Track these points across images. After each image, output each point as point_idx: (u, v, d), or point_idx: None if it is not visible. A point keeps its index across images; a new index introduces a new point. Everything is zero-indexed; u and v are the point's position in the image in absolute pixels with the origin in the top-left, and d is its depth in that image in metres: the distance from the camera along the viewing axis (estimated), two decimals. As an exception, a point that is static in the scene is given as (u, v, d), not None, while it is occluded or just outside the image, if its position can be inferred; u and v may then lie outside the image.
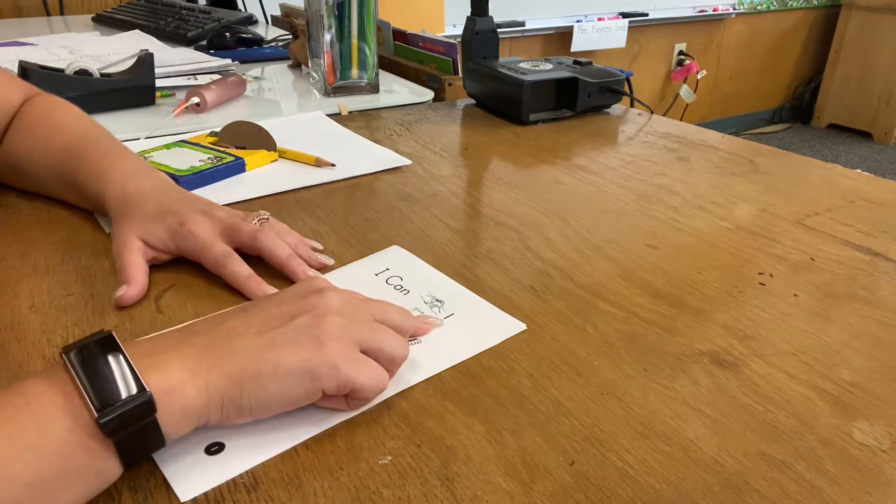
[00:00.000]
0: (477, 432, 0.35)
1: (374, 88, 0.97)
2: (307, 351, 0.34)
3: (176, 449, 0.33)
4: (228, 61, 1.08)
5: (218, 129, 0.75)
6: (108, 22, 1.43)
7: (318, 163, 0.71)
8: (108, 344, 0.30)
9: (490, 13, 0.92)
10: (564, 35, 2.89)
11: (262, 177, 0.68)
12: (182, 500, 0.31)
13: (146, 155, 0.67)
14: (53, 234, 0.55)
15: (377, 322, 0.38)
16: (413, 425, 0.35)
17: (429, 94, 0.99)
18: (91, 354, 0.30)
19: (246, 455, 0.33)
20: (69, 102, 0.63)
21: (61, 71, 0.81)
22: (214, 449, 0.33)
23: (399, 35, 1.16)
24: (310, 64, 1.01)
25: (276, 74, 1.11)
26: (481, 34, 0.92)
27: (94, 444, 0.28)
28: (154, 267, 0.50)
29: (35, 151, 0.58)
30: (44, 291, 0.47)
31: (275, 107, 0.93)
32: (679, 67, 3.35)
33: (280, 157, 0.73)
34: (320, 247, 0.54)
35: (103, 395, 0.28)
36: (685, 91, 3.40)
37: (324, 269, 0.51)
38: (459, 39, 0.96)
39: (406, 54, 1.14)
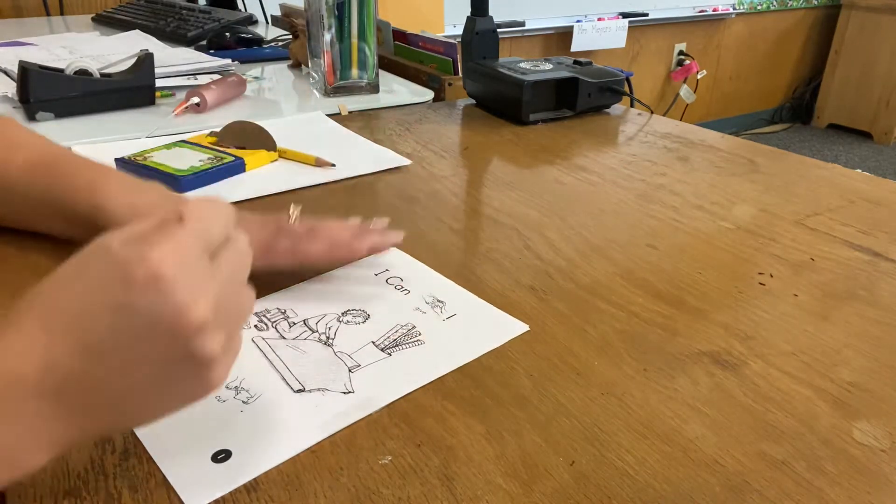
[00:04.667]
0: (477, 432, 0.35)
1: (374, 88, 0.97)
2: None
3: (182, 457, 0.33)
4: (228, 61, 1.08)
5: (218, 129, 0.75)
6: (108, 22, 1.43)
7: (318, 163, 0.71)
8: None
9: (490, 13, 0.92)
10: (564, 35, 2.89)
11: (262, 177, 0.68)
12: None
13: (146, 155, 0.67)
14: (41, 238, 0.55)
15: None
16: (413, 425, 0.35)
17: (429, 94, 0.99)
18: None
19: (253, 462, 0.33)
20: (13, 120, 0.55)
21: (61, 71, 0.81)
22: (221, 457, 0.33)
23: (399, 35, 1.16)
24: (310, 64, 1.01)
25: (276, 74, 1.11)
26: (481, 34, 0.92)
27: None
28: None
29: None
30: (44, 291, 0.47)
31: (275, 107, 0.93)
32: (679, 67, 3.35)
33: (280, 157, 0.73)
34: (384, 221, 0.52)
35: None
36: (685, 91, 3.40)
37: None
38: (459, 39, 0.96)
39: (406, 54, 1.14)
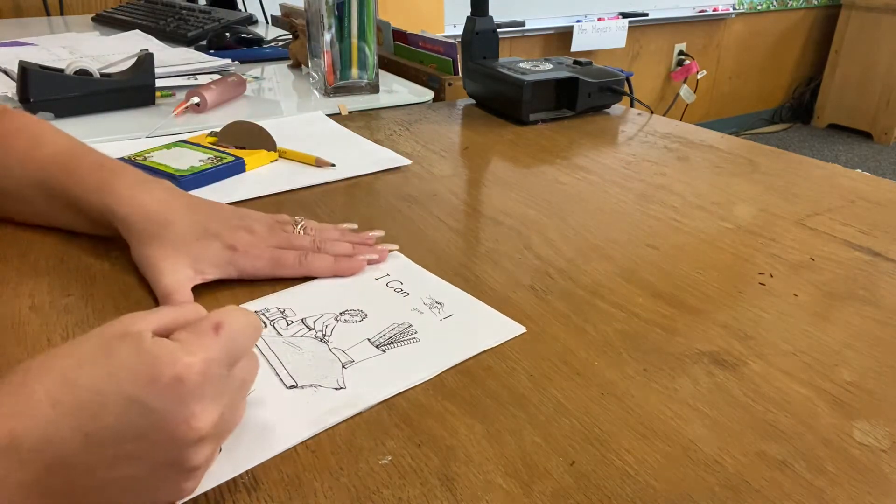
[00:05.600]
0: (477, 432, 0.35)
1: (374, 88, 0.97)
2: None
3: None
4: (228, 61, 1.08)
5: (218, 129, 0.75)
6: (108, 22, 1.43)
7: (318, 163, 0.71)
8: None
9: (490, 13, 0.92)
10: (564, 35, 2.89)
11: (262, 177, 0.68)
12: (178, 501, 0.31)
13: (146, 155, 0.67)
14: (53, 234, 0.55)
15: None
16: (413, 425, 0.35)
17: (429, 94, 0.99)
18: None
19: (243, 455, 0.33)
20: (40, 118, 0.57)
21: (61, 71, 0.81)
22: None
23: (399, 35, 1.16)
24: (310, 64, 1.01)
25: (276, 74, 1.11)
26: (481, 34, 0.92)
27: None
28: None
29: (13, 166, 0.52)
30: (44, 291, 0.47)
31: (275, 107, 0.93)
32: (679, 67, 3.35)
33: (280, 157, 0.73)
34: (379, 233, 0.55)
35: None
36: (685, 91, 3.40)
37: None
38: (459, 39, 0.96)
39: (406, 54, 1.14)
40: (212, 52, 1.16)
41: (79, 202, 0.50)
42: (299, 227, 0.51)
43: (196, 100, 0.85)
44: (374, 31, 0.93)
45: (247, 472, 0.33)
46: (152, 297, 0.46)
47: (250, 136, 0.72)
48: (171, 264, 0.46)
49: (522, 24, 2.76)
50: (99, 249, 0.53)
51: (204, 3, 1.54)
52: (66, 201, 0.51)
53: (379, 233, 0.55)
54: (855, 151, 3.48)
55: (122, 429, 0.27)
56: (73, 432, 0.26)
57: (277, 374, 0.39)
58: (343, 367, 0.40)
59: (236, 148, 0.71)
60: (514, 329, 0.44)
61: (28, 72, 0.78)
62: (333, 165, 0.70)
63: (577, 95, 0.89)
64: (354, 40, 0.93)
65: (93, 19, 1.50)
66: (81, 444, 0.26)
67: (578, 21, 2.88)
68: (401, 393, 0.38)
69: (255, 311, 0.45)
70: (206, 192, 0.63)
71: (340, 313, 0.45)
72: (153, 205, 0.48)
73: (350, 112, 0.92)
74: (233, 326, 0.30)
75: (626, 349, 0.42)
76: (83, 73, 0.82)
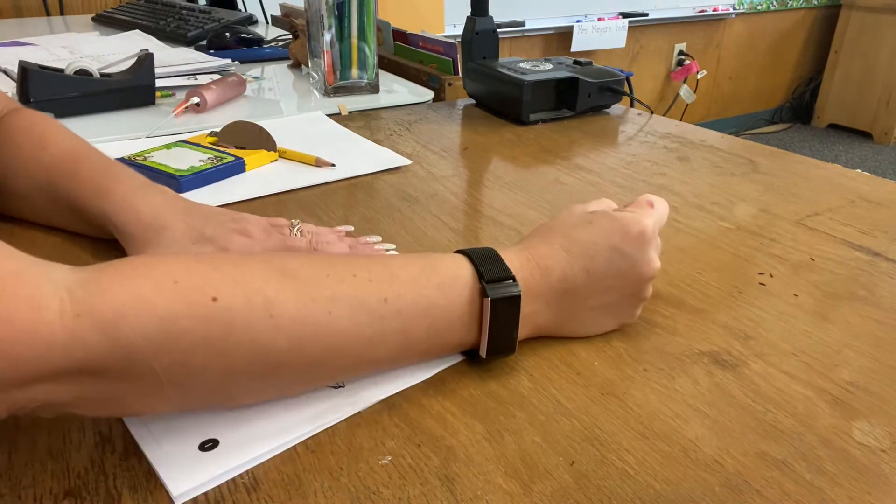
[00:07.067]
0: (477, 432, 0.35)
1: (374, 88, 0.97)
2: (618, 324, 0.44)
3: (169, 445, 0.33)
4: (228, 61, 1.08)
5: (218, 129, 0.75)
6: (108, 22, 1.43)
7: (318, 163, 0.71)
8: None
9: (490, 13, 0.92)
10: (564, 35, 2.89)
11: (262, 177, 0.68)
12: (175, 497, 0.31)
13: (146, 155, 0.67)
14: (53, 234, 0.55)
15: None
16: (413, 425, 0.35)
17: (429, 94, 0.99)
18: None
19: (240, 451, 0.33)
20: (49, 116, 0.58)
21: (61, 71, 0.81)
22: (208, 445, 0.33)
23: (399, 35, 1.16)
24: (310, 64, 1.01)
25: (276, 74, 1.11)
26: (481, 34, 0.92)
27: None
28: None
29: (19, 167, 0.53)
30: (44, 291, 0.47)
31: (275, 107, 0.93)
32: (679, 67, 3.35)
33: (280, 157, 0.73)
34: (376, 238, 0.55)
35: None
36: (685, 91, 3.40)
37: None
38: (459, 39, 0.96)
39: (406, 54, 1.14)
40: (212, 52, 1.16)
41: (79, 207, 0.51)
42: (296, 229, 0.51)
43: (196, 100, 0.85)
44: (374, 31, 0.93)
45: (247, 472, 0.33)
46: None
47: (250, 136, 0.72)
48: None
49: (522, 24, 2.76)
50: (99, 249, 0.53)
51: (204, 3, 1.54)
52: (68, 205, 0.52)
53: (376, 238, 0.55)
54: (855, 151, 3.48)
55: (609, 268, 0.40)
56: (580, 271, 0.40)
57: None
58: None
59: (236, 148, 0.71)
60: None
61: (28, 72, 0.78)
62: (333, 165, 0.70)
63: (577, 95, 0.89)
64: (354, 40, 0.93)
65: (93, 19, 1.50)
66: (584, 278, 0.40)
67: (578, 21, 2.88)
68: (400, 393, 0.38)
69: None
70: (206, 192, 0.63)
71: None
72: (148, 211, 0.49)
73: (350, 112, 0.92)
74: (658, 206, 0.44)
75: (626, 349, 0.42)
76: (83, 73, 0.82)
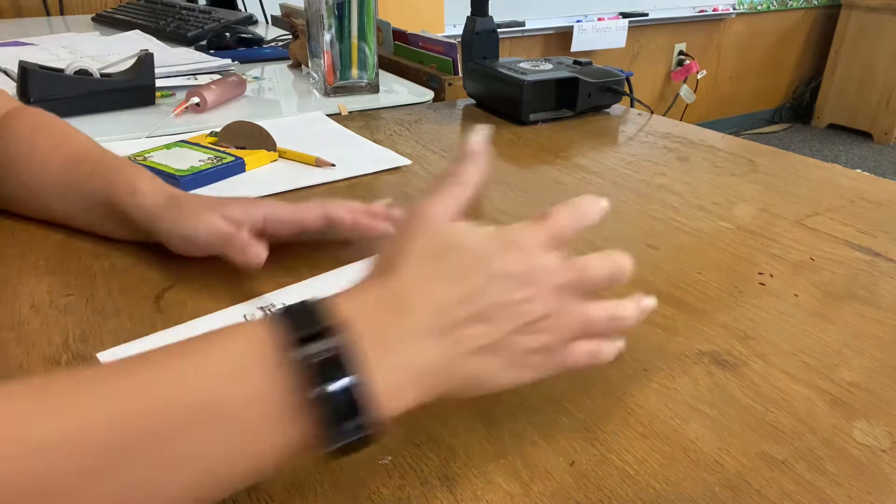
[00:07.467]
0: (477, 432, 0.35)
1: (374, 88, 0.97)
2: (537, 373, 0.34)
3: None
4: (228, 61, 1.08)
5: (218, 129, 0.75)
6: (108, 22, 1.43)
7: (318, 163, 0.71)
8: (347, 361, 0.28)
9: (490, 13, 0.92)
10: (564, 35, 2.89)
11: (262, 177, 0.68)
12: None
13: (146, 155, 0.67)
14: (53, 233, 0.55)
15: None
16: (413, 425, 0.35)
17: (429, 94, 0.99)
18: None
19: None
20: (57, 117, 0.59)
21: (61, 71, 0.81)
22: None
23: (399, 35, 1.16)
24: (310, 64, 1.01)
25: (276, 74, 1.11)
26: (481, 34, 0.92)
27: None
28: (154, 267, 0.50)
29: (37, 164, 0.54)
30: (44, 291, 0.47)
31: (275, 107, 0.93)
32: (679, 67, 3.35)
33: (280, 157, 0.73)
34: (387, 201, 0.56)
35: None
36: (685, 91, 3.40)
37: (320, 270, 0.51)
38: (459, 39, 0.96)
39: (406, 54, 1.14)
40: (212, 52, 1.16)
41: (109, 201, 0.51)
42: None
43: (196, 100, 0.85)
44: (374, 31, 0.93)
45: (247, 472, 0.33)
46: (153, 297, 0.46)
47: (250, 136, 0.72)
48: (209, 217, 0.48)
49: (522, 24, 2.76)
50: (99, 249, 0.53)
51: (204, 3, 1.54)
52: (92, 200, 0.52)
53: (387, 200, 0.56)
54: (855, 151, 3.48)
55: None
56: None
57: None
58: None
59: (236, 148, 0.71)
60: None
61: (28, 72, 0.78)
62: (333, 165, 0.70)
63: (577, 95, 0.89)
64: (354, 40, 0.93)
65: (93, 19, 1.50)
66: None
67: (578, 21, 2.88)
68: (401, 393, 0.38)
69: (260, 308, 0.45)
70: (205, 192, 0.63)
71: None
72: (174, 198, 0.50)
73: (350, 112, 0.91)
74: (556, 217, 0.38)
75: (626, 349, 0.42)
76: (83, 73, 0.82)
